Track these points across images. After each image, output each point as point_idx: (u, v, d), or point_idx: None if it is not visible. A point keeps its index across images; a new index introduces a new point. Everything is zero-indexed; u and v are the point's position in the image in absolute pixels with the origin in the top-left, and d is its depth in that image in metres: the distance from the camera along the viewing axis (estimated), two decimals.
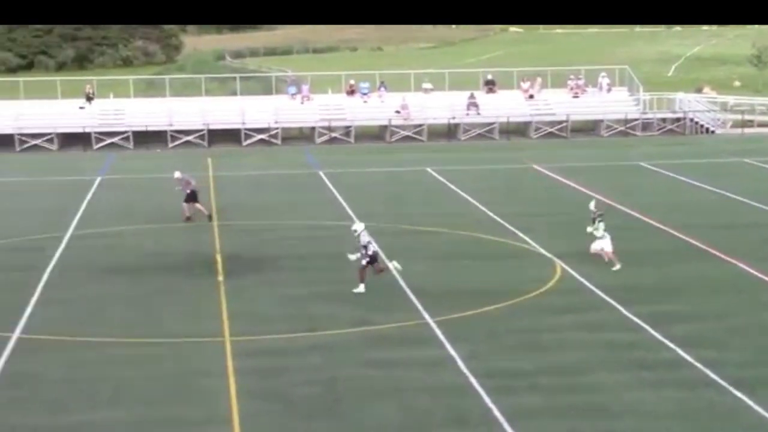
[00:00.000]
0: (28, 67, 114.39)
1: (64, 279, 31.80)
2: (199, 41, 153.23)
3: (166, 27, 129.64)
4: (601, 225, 31.96)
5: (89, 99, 66.55)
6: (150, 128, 64.82)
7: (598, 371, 23.26)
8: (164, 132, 64.73)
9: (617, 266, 31.61)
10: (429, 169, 52.66)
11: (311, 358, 24.40)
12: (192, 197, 40.37)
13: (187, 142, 64.54)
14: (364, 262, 29.45)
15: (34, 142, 63.81)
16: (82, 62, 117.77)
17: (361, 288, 29.51)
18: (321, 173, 52.21)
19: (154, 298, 29.65)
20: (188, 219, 40.02)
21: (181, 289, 30.51)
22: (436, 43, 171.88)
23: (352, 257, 29.76)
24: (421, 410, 21.23)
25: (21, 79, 73.18)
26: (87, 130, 64.32)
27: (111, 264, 33.68)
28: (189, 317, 27.75)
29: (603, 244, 31.94)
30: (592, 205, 33.04)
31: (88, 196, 46.27)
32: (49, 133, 64.04)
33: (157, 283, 31.21)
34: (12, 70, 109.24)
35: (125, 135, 64.56)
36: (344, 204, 43.45)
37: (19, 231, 38.80)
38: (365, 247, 29.39)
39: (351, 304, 28.71)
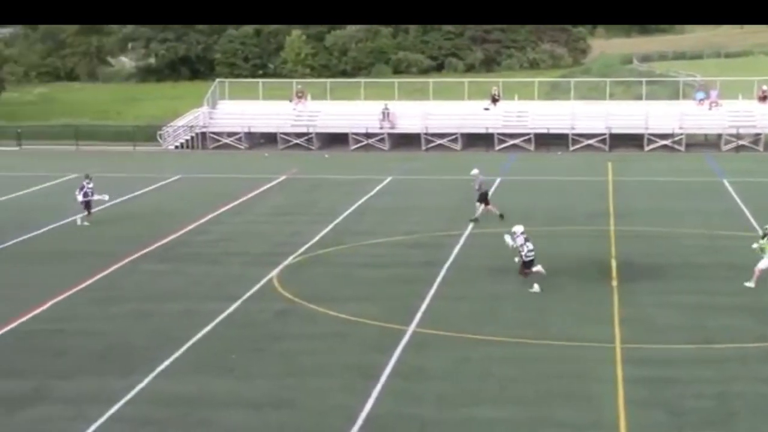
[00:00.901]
0: (438, 68, 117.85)
1: (460, 276, 32.39)
2: (607, 45, 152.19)
3: (575, 30, 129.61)
4: (765, 242, 29.92)
5: (494, 101, 67.70)
6: (552, 131, 65.10)
7: None
8: (565, 135, 64.78)
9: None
10: None
11: (704, 371, 23.56)
12: (482, 198, 40.69)
13: (588, 145, 64.24)
14: (516, 259, 30.55)
15: (439, 141, 65.68)
16: (490, 65, 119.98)
17: (536, 288, 30.08)
18: (725, 181, 50.42)
19: (545, 299, 29.61)
20: (475, 220, 40.14)
21: (573, 292, 30.31)
22: None
23: (508, 239, 30.78)
24: None
25: (431, 80, 75.58)
26: (490, 131, 65.49)
27: (505, 264, 33.87)
28: (579, 321, 27.51)
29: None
30: None
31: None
32: (454, 133, 65.70)
33: (549, 284, 31.13)
34: (423, 72, 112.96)
35: (527, 137, 65.18)
36: (748, 214, 41.69)
37: (422, 227, 39.97)
38: (521, 248, 30.23)
39: (750, 317, 27.50)
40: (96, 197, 41.08)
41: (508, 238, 30.96)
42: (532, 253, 30.42)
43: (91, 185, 41.08)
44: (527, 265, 30.47)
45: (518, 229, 30.81)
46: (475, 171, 42.04)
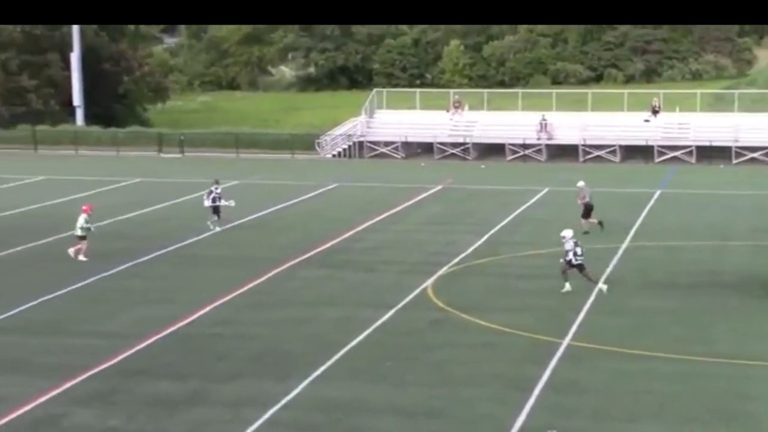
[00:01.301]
0: (597, 79, 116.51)
1: (616, 289, 31.90)
2: None
3: (740, 40, 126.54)
4: None
5: (655, 112, 66.59)
6: (714, 143, 63.67)
7: None
8: (729, 148, 63.31)
9: None
10: None
11: None
12: (587, 211, 40.61)
13: (753, 159, 62.66)
14: (562, 260, 31.25)
15: (597, 153, 64.92)
16: (650, 75, 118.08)
17: (567, 287, 30.94)
18: None
19: (705, 315, 28.99)
20: (585, 233, 39.76)
21: (735, 309, 29.60)
22: None
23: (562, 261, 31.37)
24: None
25: (589, 91, 74.73)
26: (650, 143, 64.43)
27: (664, 278, 33.42)
28: (741, 337, 26.85)
29: None
30: None
31: (647, 209, 46.27)
32: (612, 145, 64.86)
33: (710, 300, 30.49)
34: (582, 82, 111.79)
35: (688, 149, 63.92)
36: None
37: (579, 240, 39.36)
38: (567, 253, 30.91)
39: None
40: (223, 203, 41.75)
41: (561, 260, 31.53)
42: (582, 258, 30.95)
43: (219, 190, 41.86)
44: (578, 268, 30.98)
45: (567, 233, 31.35)
46: (581, 183, 41.63)
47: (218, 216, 41.47)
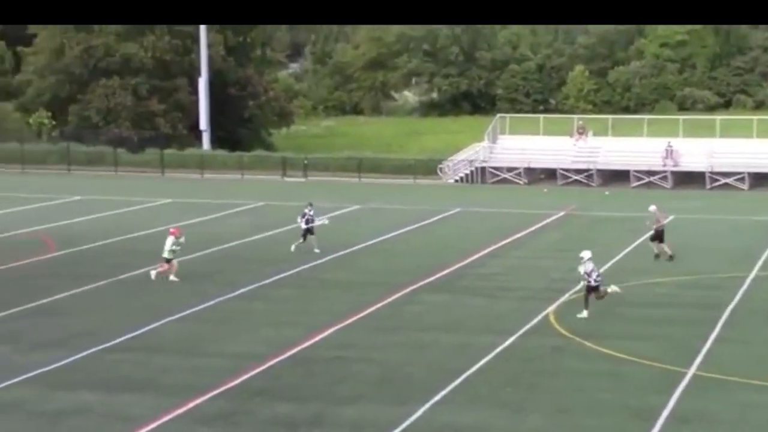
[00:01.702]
0: (726, 105, 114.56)
1: (744, 319, 31.25)
2: None
3: None
4: None
5: None
6: None
7: None
8: None
9: None
10: None
11: None
12: (657, 236, 40.10)
13: None
14: (584, 283, 31.20)
15: (724, 180, 63.72)
16: None
17: (584, 314, 30.92)
18: None
19: None
20: (656, 257, 39.96)
21: None
22: None
23: (581, 269, 31.20)
24: None
25: (718, 117, 73.46)
26: None
27: None
28: None
29: None
30: None
31: None
32: (741, 172, 63.60)
33: None
34: (710, 109, 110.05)
35: None
36: None
37: (703, 268, 38.84)
38: (588, 274, 30.86)
39: None
40: (317, 222, 42.04)
41: (581, 269, 31.26)
42: (600, 278, 31.23)
43: (311, 212, 42.16)
44: (593, 289, 30.97)
45: (586, 254, 31.16)
46: (652, 207, 40.85)
47: (305, 239, 41.78)
